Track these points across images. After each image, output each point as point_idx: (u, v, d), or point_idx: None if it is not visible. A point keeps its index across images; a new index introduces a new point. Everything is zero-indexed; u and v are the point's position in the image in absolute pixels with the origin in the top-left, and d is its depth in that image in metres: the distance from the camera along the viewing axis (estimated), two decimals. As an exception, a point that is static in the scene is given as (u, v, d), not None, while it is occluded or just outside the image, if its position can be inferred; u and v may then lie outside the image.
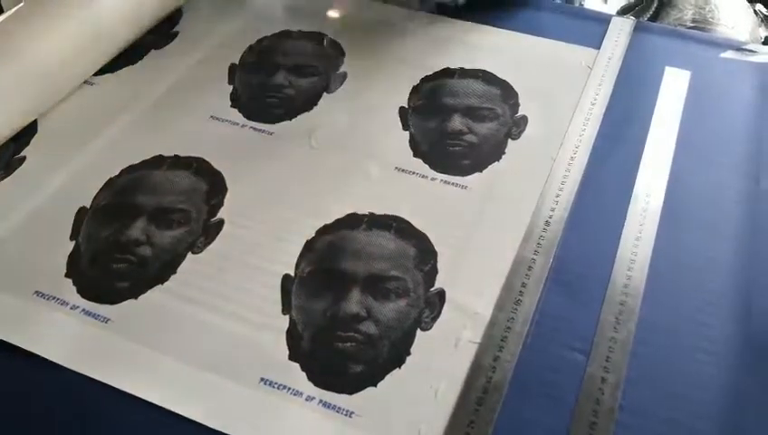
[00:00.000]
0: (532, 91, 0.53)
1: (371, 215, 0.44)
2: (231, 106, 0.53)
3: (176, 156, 0.48)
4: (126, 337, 0.38)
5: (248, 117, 0.52)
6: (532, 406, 0.35)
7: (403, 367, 0.37)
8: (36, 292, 0.40)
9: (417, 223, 0.43)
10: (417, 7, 0.61)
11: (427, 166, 0.47)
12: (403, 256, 0.41)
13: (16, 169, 0.47)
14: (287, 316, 0.39)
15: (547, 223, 0.43)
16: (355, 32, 0.59)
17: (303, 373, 0.36)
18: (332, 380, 0.36)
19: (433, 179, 0.46)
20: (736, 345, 0.38)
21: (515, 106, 0.52)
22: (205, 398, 0.35)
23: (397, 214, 0.44)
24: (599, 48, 0.56)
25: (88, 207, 0.45)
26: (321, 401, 0.35)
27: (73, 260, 0.42)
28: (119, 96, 0.53)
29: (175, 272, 0.41)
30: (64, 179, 0.47)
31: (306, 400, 0.35)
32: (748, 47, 0.56)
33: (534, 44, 0.58)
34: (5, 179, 0.47)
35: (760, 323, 0.39)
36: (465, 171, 0.47)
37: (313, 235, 0.43)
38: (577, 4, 0.70)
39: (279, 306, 0.39)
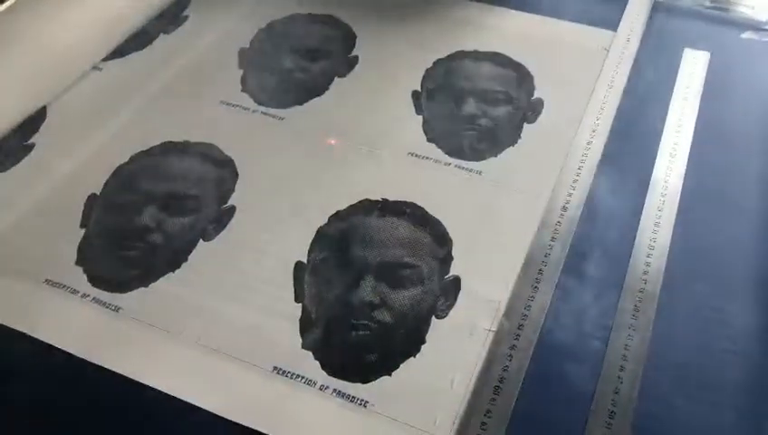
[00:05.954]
0: (548, 74, 0.52)
1: (385, 201, 0.43)
2: (241, 91, 0.52)
3: (185, 141, 0.47)
4: (137, 326, 0.38)
5: (259, 102, 0.51)
6: (549, 395, 0.35)
7: (418, 356, 0.36)
8: (47, 280, 0.40)
9: (432, 209, 0.43)
10: None
11: (440, 151, 0.47)
12: (417, 243, 0.41)
13: (25, 156, 0.47)
14: (300, 304, 0.38)
15: (564, 208, 0.42)
16: (366, 14, 0.58)
17: (317, 362, 0.36)
18: (346, 369, 0.36)
19: (447, 165, 0.46)
20: (757, 332, 0.37)
21: (531, 89, 0.51)
22: (217, 387, 0.35)
23: (410, 200, 0.43)
24: (616, 30, 0.55)
25: (98, 194, 0.44)
26: (334, 390, 0.35)
27: (84, 248, 0.41)
28: (127, 81, 0.53)
29: (186, 259, 0.41)
30: (74, 166, 0.46)
31: (320, 389, 0.35)
32: (769, 28, 0.55)
33: (550, 26, 0.56)
34: (15, 166, 0.46)
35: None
36: (479, 156, 0.46)
37: (326, 221, 0.42)
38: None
39: (292, 294, 0.39)
